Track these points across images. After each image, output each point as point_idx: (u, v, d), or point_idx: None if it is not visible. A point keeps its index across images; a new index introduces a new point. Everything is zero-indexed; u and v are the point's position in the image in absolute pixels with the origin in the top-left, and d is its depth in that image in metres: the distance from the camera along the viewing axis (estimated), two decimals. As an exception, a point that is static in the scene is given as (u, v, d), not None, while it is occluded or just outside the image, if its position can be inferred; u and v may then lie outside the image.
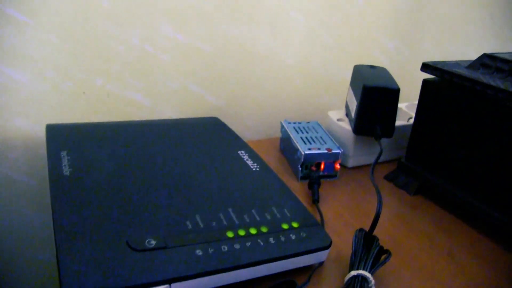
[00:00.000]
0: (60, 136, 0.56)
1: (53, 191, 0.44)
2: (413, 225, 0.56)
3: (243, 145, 0.61)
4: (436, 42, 0.98)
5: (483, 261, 0.51)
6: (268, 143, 0.75)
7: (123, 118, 0.73)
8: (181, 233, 0.41)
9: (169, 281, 0.36)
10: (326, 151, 0.62)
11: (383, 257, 0.45)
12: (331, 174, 0.64)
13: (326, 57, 0.86)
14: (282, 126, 0.70)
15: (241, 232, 0.43)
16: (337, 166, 0.63)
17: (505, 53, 0.59)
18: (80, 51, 0.66)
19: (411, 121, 0.72)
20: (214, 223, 0.43)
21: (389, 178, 0.66)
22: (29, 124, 0.67)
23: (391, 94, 0.61)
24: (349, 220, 0.56)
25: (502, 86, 0.51)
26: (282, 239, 0.43)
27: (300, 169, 0.62)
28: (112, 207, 0.43)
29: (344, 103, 0.74)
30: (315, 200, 0.58)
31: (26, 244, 0.74)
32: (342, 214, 0.57)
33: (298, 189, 0.62)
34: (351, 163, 0.68)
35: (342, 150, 0.62)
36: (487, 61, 0.57)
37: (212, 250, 0.40)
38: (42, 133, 0.60)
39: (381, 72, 0.67)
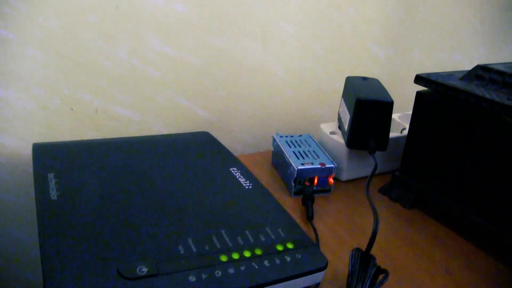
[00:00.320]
0: (47, 157, 0.54)
1: (40, 217, 0.43)
2: (410, 241, 0.55)
3: (235, 162, 0.60)
4: (428, 50, 0.97)
5: (480, 276, 0.50)
6: (260, 157, 0.74)
7: (112, 134, 0.71)
8: (174, 259, 0.40)
9: (162, 311, 0.35)
10: (319, 166, 0.61)
11: (380, 277, 0.44)
12: (325, 189, 0.63)
13: (317, 68, 0.85)
14: (274, 140, 0.69)
15: (235, 256, 0.41)
16: (331, 180, 0.62)
17: (499, 64, 0.59)
18: (67, 67, 0.65)
19: (405, 132, 0.71)
20: (207, 247, 0.42)
21: (383, 191, 0.65)
22: (16, 142, 0.65)
23: (385, 107, 0.60)
24: (344, 237, 0.55)
25: (497, 99, 0.50)
26: (277, 261, 0.42)
27: (293, 184, 0.61)
28: (101, 233, 0.42)
29: (337, 114, 0.73)
30: (309, 217, 0.56)
31: (14, 264, 0.72)
32: (337, 231, 0.56)
33: (292, 205, 0.61)
34: (345, 176, 0.67)
35: (335, 165, 0.61)
36: (481, 73, 0.56)
37: (205, 276, 0.39)
38: (29, 151, 0.58)
39: (374, 84, 0.66)
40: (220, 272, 0.39)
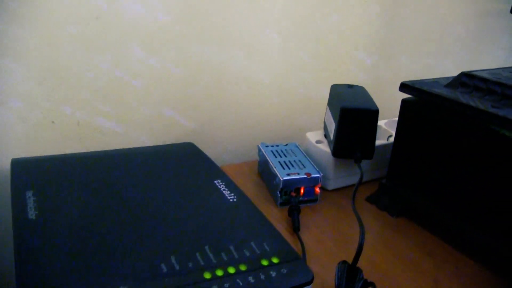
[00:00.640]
0: (26, 173, 0.53)
1: (16, 237, 0.42)
2: (397, 250, 0.55)
3: (220, 174, 0.59)
4: (413, 55, 0.97)
5: (468, 285, 0.49)
6: (246, 166, 0.73)
7: (96, 147, 0.70)
8: (156, 278, 0.39)
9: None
10: (305, 176, 0.60)
11: (367, 290, 0.44)
12: (312, 199, 0.62)
13: (302, 75, 0.84)
14: (260, 150, 0.68)
15: (219, 273, 0.41)
16: (317, 190, 0.62)
17: (483, 70, 0.58)
18: (47, 79, 0.64)
19: (391, 139, 0.71)
20: (190, 264, 0.41)
21: (370, 200, 0.65)
22: (-5, 157, 0.64)
23: (370, 115, 0.60)
24: (331, 248, 0.54)
25: (481, 107, 0.50)
26: (262, 277, 0.41)
27: (279, 195, 0.60)
28: (81, 254, 0.41)
29: (323, 123, 0.73)
30: (295, 229, 0.56)
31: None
32: (325, 242, 0.55)
33: (278, 215, 0.60)
34: (331, 185, 0.66)
35: (321, 174, 0.61)
36: (465, 80, 0.56)
37: (188, 295, 0.38)
38: (7, 167, 0.57)
39: (359, 91, 0.66)
40: (203, 290, 0.38)
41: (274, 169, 0.61)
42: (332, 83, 0.70)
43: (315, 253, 0.53)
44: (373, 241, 0.56)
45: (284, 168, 0.62)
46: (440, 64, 1.01)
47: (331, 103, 0.67)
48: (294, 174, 0.60)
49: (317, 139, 0.69)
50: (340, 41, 0.86)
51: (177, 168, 0.59)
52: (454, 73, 0.59)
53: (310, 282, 0.42)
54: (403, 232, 0.58)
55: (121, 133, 0.72)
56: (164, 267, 0.40)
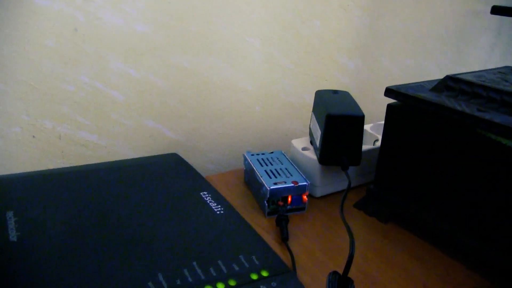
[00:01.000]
0: (6, 192, 0.51)
1: (-3, 261, 0.40)
2: (387, 257, 0.54)
3: (206, 185, 0.58)
4: (395, 58, 0.97)
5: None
6: (232, 176, 0.72)
7: (79, 161, 0.69)
8: (143, 297, 0.38)
9: None
10: (292, 185, 0.59)
11: (359, 300, 0.43)
12: (299, 207, 0.62)
13: (286, 81, 0.84)
14: (245, 159, 0.67)
15: (208, 289, 0.40)
16: (305, 198, 0.61)
17: (468, 73, 0.58)
18: (26, 93, 0.62)
19: (377, 143, 0.70)
20: (178, 281, 0.40)
21: (358, 206, 0.64)
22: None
23: (356, 121, 0.59)
24: (321, 258, 0.53)
25: (467, 111, 0.50)
26: (252, 292, 0.40)
27: (266, 205, 0.59)
28: (64, 276, 0.39)
29: (308, 129, 0.72)
30: (284, 239, 0.55)
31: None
32: (314, 251, 0.54)
33: (266, 225, 0.59)
34: (319, 193, 0.66)
35: (309, 182, 0.60)
36: (450, 83, 0.56)
37: (177, 314, 0.37)
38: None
39: (344, 97, 0.65)
40: (192, 309, 0.38)
41: (261, 178, 0.61)
42: (316, 88, 0.70)
43: (305, 263, 0.52)
44: (363, 248, 0.55)
45: (270, 177, 0.61)
46: (422, 65, 1.01)
47: (316, 110, 0.67)
48: (281, 183, 0.59)
49: (303, 146, 0.68)
50: (322, 46, 0.85)
51: (162, 181, 0.58)
52: (437, 73, 0.59)
53: (301, 295, 0.42)
54: (393, 238, 0.58)
55: (104, 145, 0.70)
56: (151, 285, 0.39)
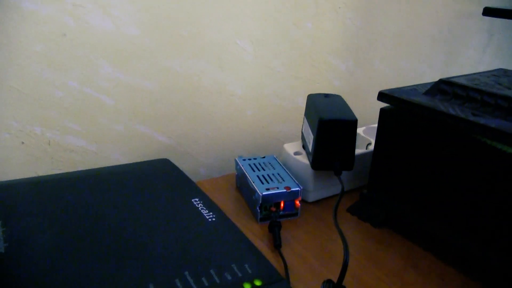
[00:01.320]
0: (-7, 201, 0.51)
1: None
2: (382, 263, 0.53)
3: (197, 192, 0.57)
4: (388, 59, 0.97)
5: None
6: (223, 181, 0.71)
7: (68, 167, 0.68)
8: (133, 310, 0.37)
9: None
10: (285, 190, 0.59)
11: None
12: (292, 213, 0.61)
13: (277, 85, 0.83)
14: (237, 164, 0.67)
15: (200, 300, 0.39)
16: (298, 203, 0.60)
17: (461, 76, 0.58)
18: (14, 98, 0.61)
19: (370, 147, 0.70)
20: (169, 292, 0.39)
21: (352, 211, 0.64)
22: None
23: (349, 125, 0.59)
24: (314, 265, 0.53)
25: (461, 115, 0.49)
26: (245, 302, 0.40)
27: (258, 211, 0.59)
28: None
29: (300, 132, 0.71)
30: (276, 245, 0.54)
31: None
32: (307, 258, 0.54)
33: (258, 232, 0.58)
34: (311, 198, 0.65)
35: (301, 187, 0.60)
36: (444, 87, 0.55)
37: (168, 327, 0.36)
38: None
39: (336, 101, 0.65)
40: (184, 321, 0.37)
41: (253, 184, 0.60)
42: (308, 91, 0.69)
43: (298, 271, 0.51)
44: (357, 255, 0.55)
45: (263, 183, 0.60)
46: (414, 66, 1.01)
47: (308, 114, 0.66)
48: (273, 188, 0.59)
49: (295, 150, 0.68)
50: (314, 48, 0.85)
51: (153, 188, 0.57)
52: (429, 75, 0.58)
53: (294, 305, 0.41)
54: (387, 243, 0.58)
55: (94, 151, 0.69)
56: (142, 298, 0.38)
